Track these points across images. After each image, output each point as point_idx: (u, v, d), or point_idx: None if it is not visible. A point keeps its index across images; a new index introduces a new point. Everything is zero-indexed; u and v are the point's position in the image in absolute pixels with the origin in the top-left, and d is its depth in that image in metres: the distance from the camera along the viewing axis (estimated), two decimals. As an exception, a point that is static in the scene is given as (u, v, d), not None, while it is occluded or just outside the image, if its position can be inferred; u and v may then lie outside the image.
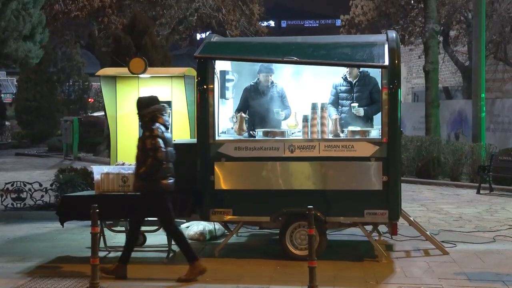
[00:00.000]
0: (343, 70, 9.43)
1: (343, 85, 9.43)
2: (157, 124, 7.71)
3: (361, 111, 9.07)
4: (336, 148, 8.44)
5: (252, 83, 9.58)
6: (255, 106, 9.40)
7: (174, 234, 7.83)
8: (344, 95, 9.40)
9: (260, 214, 8.61)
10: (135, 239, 8.01)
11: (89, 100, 38.97)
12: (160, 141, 7.61)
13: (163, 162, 7.65)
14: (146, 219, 9.47)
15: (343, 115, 9.20)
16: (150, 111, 7.75)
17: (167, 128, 7.87)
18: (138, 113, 7.86)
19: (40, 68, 30.51)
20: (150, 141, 7.59)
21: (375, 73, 9.26)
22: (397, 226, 8.80)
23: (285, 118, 9.39)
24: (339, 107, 9.41)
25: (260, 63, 9.38)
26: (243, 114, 8.96)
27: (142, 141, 7.71)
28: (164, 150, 7.64)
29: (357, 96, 9.29)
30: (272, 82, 9.52)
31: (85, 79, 37.58)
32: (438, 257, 8.69)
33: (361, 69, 9.28)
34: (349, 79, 9.38)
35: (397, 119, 8.32)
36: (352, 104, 9.13)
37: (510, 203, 13.83)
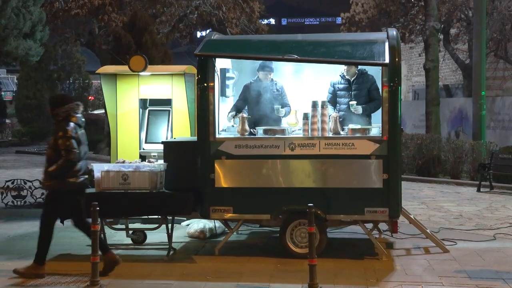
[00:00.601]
0: (342, 68, 9.42)
1: (341, 83, 9.42)
2: (72, 124, 7.70)
3: (359, 109, 9.08)
4: (337, 146, 8.43)
5: (252, 81, 9.57)
6: (254, 103, 9.40)
7: (88, 229, 7.75)
8: (342, 93, 9.38)
9: (261, 212, 8.61)
10: (49, 235, 7.86)
11: (89, 98, 38.90)
12: (74, 142, 7.62)
13: (75, 163, 7.67)
14: (147, 217, 9.50)
15: (341, 112, 9.19)
16: (64, 110, 7.73)
17: (80, 126, 7.87)
18: (51, 112, 7.81)
19: (40, 66, 30.48)
20: (63, 142, 7.58)
21: (373, 71, 9.26)
22: (398, 224, 8.82)
23: (285, 115, 9.39)
24: (337, 105, 9.39)
25: (260, 61, 9.37)
26: (244, 115, 8.95)
27: (54, 140, 7.68)
28: (78, 151, 7.67)
29: (356, 94, 9.29)
30: (272, 80, 9.52)
31: (85, 77, 37.55)
32: (438, 255, 8.70)
33: (359, 67, 9.27)
34: (347, 77, 9.37)
35: (398, 117, 8.32)
36: (351, 102, 9.12)
37: (510, 201, 13.83)
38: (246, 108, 9.50)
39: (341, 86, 9.42)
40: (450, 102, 25.07)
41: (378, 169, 8.33)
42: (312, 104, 8.72)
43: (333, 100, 9.40)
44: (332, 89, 9.47)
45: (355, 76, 9.33)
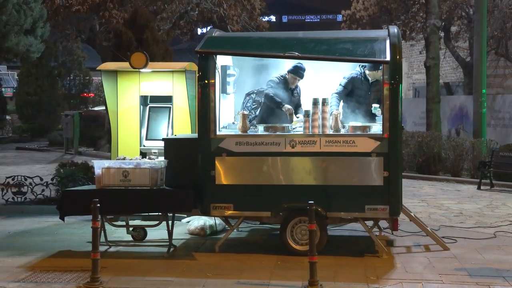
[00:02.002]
0: (345, 66, 9.43)
1: (361, 82, 9.39)
2: None
3: (380, 112, 9.11)
4: (337, 144, 8.43)
5: (282, 77, 9.49)
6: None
7: None
8: (360, 91, 9.36)
9: (261, 209, 8.61)
10: None
11: (86, 95, 38.73)
12: None
13: None
14: (148, 214, 9.52)
15: (356, 110, 9.18)
16: None
17: None
18: None
19: (41, 62, 30.47)
20: None
21: None
22: (398, 222, 8.82)
23: (295, 113, 9.40)
24: (346, 101, 9.36)
25: (295, 64, 9.32)
26: (244, 112, 8.95)
27: None
28: None
29: (372, 95, 9.31)
30: (297, 85, 9.54)
31: (86, 74, 37.56)
32: (438, 253, 8.70)
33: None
34: (368, 77, 9.37)
35: (398, 115, 8.32)
36: (374, 105, 9.13)
37: (510, 199, 13.83)
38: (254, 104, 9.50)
39: (360, 85, 9.39)
40: (451, 100, 25.05)
41: (379, 166, 8.33)
42: (312, 101, 8.71)
43: (343, 95, 9.36)
44: (350, 84, 9.39)
45: (374, 79, 9.35)
